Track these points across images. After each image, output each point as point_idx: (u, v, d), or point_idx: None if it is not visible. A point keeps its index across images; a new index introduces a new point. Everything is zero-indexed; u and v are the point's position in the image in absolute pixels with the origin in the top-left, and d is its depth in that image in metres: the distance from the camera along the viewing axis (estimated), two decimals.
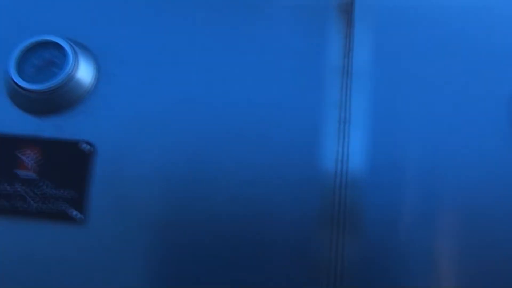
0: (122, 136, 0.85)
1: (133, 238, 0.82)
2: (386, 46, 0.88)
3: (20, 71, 0.86)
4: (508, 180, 0.79)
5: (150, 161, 0.84)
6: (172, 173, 0.84)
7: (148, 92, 0.87)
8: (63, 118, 0.86)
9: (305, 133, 0.83)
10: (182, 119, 0.86)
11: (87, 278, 0.82)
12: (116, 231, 0.83)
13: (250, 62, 0.88)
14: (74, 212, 0.82)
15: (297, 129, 0.84)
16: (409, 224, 0.80)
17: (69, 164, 0.84)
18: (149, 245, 0.82)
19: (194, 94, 0.87)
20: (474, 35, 0.87)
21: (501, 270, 0.77)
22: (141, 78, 0.88)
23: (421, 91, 0.86)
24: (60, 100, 0.86)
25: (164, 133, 0.85)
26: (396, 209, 0.80)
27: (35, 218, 0.83)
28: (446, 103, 0.84)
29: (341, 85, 0.87)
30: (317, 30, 0.88)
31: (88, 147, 0.84)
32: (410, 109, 0.85)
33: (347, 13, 0.90)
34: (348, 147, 0.83)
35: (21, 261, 0.82)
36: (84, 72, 0.87)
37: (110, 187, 0.84)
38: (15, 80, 0.84)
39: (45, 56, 0.87)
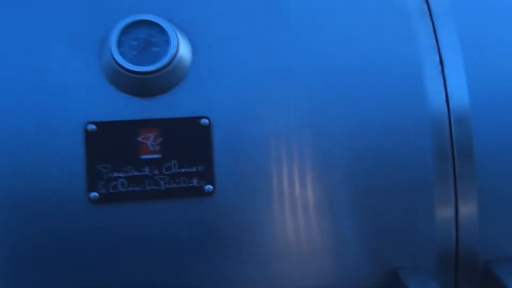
0: (234, 105, 0.87)
1: (260, 205, 0.86)
2: None
3: (123, 55, 0.84)
4: None
5: (264, 125, 0.87)
6: (287, 133, 0.87)
7: (248, 59, 0.89)
8: (173, 96, 0.87)
9: (411, 78, 0.89)
10: (285, 81, 0.89)
11: (222, 248, 0.86)
12: (244, 200, 0.86)
13: (339, 19, 0.91)
14: (206, 186, 0.85)
15: (402, 76, 0.89)
16: None
17: (191, 140, 0.85)
18: (277, 209, 0.87)
19: (294, 56, 0.89)
20: None
21: None
22: (236, 48, 0.89)
23: (504, 23, 0.93)
24: (168, 78, 0.86)
25: (273, 97, 0.88)
26: (503, 139, 0.88)
27: (166, 198, 0.85)
28: None
29: (429, 28, 0.92)
30: None
31: (207, 121, 0.85)
32: (497, 42, 0.92)
33: None
34: (448, 87, 0.90)
35: (156, 242, 0.85)
36: (185, 48, 0.87)
37: (232, 157, 0.86)
38: (122, 64, 0.83)
39: (140, 36, 0.86)
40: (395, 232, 0.88)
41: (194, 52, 0.88)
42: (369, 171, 0.88)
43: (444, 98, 0.89)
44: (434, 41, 0.92)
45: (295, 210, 0.87)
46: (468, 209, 0.89)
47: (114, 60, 0.84)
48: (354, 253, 0.88)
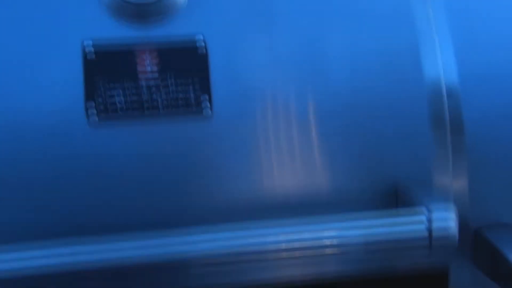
0: (230, 29, 0.88)
1: (256, 126, 0.87)
2: None
3: None
4: None
5: (260, 48, 0.88)
6: (284, 57, 0.88)
7: None
8: (170, 21, 0.88)
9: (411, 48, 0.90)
10: (281, 7, 0.90)
11: (219, 166, 0.87)
12: (241, 123, 0.87)
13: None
14: (204, 110, 0.86)
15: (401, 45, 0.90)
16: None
17: (188, 62, 0.86)
18: (272, 128, 0.87)
19: None
20: None
21: None
22: None
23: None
24: (165, 4, 0.87)
25: (271, 22, 0.89)
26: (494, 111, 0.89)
27: (164, 121, 0.86)
28: None
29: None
30: None
31: (203, 43, 0.86)
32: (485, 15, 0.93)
33: None
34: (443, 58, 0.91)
35: (153, 162, 0.86)
36: None
37: (229, 81, 0.87)
38: None
39: None
40: (392, 150, 0.89)
41: None
42: (367, 93, 0.88)
43: (439, 71, 0.90)
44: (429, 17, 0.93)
45: (291, 129, 0.87)
46: (460, 179, 0.90)
47: None
48: (352, 172, 0.89)
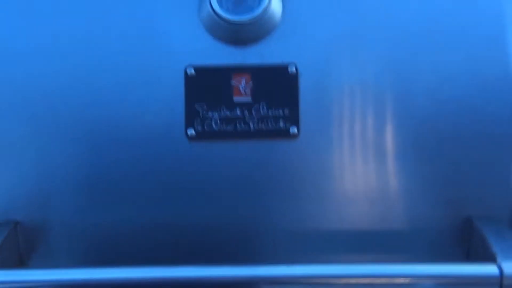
0: (320, 54, 0.93)
1: (346, 150, 0.92)
2: None
3: (220, 6, 0.93)
4: None
5: (348, 74, 0.93)
6: (369, 82, 0.93)
7: (332, 14, 0.95)
8: (264, 45, 0.94)
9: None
10: (367, 34, 0.94)
11: (302, 187, 0.93)
12: (326, 144, 0.93)
13: None
14: (292, 129, 0.92)
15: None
16: None
17: (279, 86, 0.93)
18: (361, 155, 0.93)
19: (377, 11, 0.94)
20: None
21: None
22: (320, 3, 0.95)
23: None
24: (260, 29, 0.93)
25: (356, 48, 0.94)
26: None
27: (254, 138, 0.93)
28: None
29: None
30: None
31: (294, 69, 0.92)
32: None
33: None
34: None
35: (242, 178, 0.93)
36: (275, 2, 0.94)
37: (316, 103, 0.93)
38: (221, 14, 0.92)
39: None
40: (472, 181, 0.92)
41: (284, 6, 0.95)
42: (450, 122, 0.92)
43: None
44: None
45: (374, 155, 0.92)
46: None
47: (213, 10, 0.92)
48: (429, 199, 0.93)
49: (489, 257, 0.85)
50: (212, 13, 0.93)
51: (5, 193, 0.93)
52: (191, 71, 0.93)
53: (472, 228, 0.92)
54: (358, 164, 0.93)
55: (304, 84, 0.93)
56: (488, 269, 0.83)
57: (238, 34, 0.94)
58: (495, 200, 0.93)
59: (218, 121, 0.93)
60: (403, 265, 0.85)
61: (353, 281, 0.82)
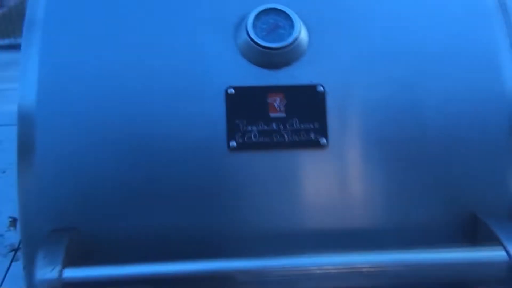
0: (344, 76, 1.08)
1: (368, 158, 1.06)
2: None
3: (256, 34, 1.07)
4: None
5: (368, 93, 1.08)
6: (385, 100, 1.08)
7: (353, 40, 1.10)
8: (295, 68, 1.08)
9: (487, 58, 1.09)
10: (383, 58, 1.10)
11: (334, 192, 1.06)
12: (353, 153, 1.07)
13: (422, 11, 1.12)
14: (322, 140, 1.06)
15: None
16: None
17: (309, 103, 1.07)
18: (381, 162, 1.07)
19: (389, 37, 1.10)
20: None
21: None
22: (342, 31, 1.11)
23: None
24: (291, 54, 1.08)
25: (374, 70, 1.09)
26: None
27: (289, 148, 1.06)
28: None
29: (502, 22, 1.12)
30: None
31: (322, 88, 1.07)
32: None
33: None
34: None
35: (277, 184, 1.06)
36: (304, 31, 1.09)
37: (341, 118, 1.07)
38: (257, 41, 1.06)
39: (270, 21, 1.09)
40: (474, 179, 1.07)
41: (310, 35, 1.10)
42: (454, 132, 1.07)
43: None
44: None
45: (389, 161, 1.07)
46: None
47: (250, 38, 1.06)
48: (433, 199, 1.07)
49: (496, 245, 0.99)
50: (250, 40, 1.07)
51: (66, 201, 1.02)
52: (231, 91, 1.06)
53: (476, 222, 1.07)
54: (376, 170, 1.07)
55: (330, 101, 1.07)
56: (497, 254, 0.97)
57: (272, 59, 1.08)
58: (493, 199, 1.07)
59: (257, 134, 1.05)
60: (415, 252, 0.98)
61: (364, 269, 0.95)
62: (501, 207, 1.08)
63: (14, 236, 1.12)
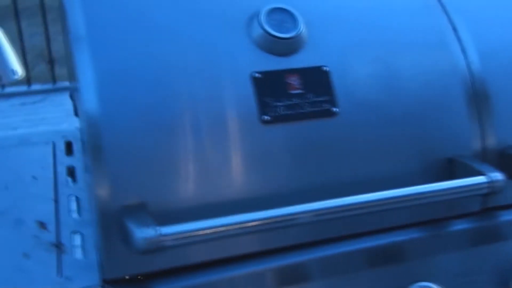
0: (342, 57, 1.34)
1: (367, 120, 1.32)
2: None
3: (271, 28, 1.30)
4: None
5: (363, 70, 1.35)
6: (374, 77, 1.35)
7: (346, 31, 1.38)
8: (302, 54, 1.32)
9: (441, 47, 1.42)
10: (369, 46, 1.38)
11: (345, 160, 1.30)
12: (363, 121, 1.32)
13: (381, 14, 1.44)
14: (334, 109, 1.30)
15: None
16: None
17: (319, 80, 1.31)
18: (373, 123, 1.33)
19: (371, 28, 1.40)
20: None
21: None
22: (338, 23, 1.38)
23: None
24: (298, 43, 1.32)
25: (364, 52, 1.37)
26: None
27: (308, 118, 1.28)
28: None
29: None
30: None
31: (327, 68, 1.32)
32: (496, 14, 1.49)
33: None
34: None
35: (304, 149, 1.27)
36: (304, 25, 1.34)
37: (346, 89, 1.32)
38: (273, 34, 1.28)
39: (277, 18, 1.33)
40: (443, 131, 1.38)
41: (309, 28, 1.35)
42: (422, 94, 1.37)
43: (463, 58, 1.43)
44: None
45: (385, 121, 1.33)
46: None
47: (266, 31, 1.29)
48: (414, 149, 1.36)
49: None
50: (265, 33, 1.29)
51: (135, 176, 1.13)
52: (257, 75, 1.26)
53: (453, 165, 1.36)
54: (371, 129, 1.33)
55: (334, 78, 1.32)
56: (479, 179, 1.27)
57: (283, 47, 1.30)
58: (463, 146, 1.39)
59: (283, 108, 1.26)
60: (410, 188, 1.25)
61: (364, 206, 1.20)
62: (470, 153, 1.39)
63: (49, 236, 1.18)
